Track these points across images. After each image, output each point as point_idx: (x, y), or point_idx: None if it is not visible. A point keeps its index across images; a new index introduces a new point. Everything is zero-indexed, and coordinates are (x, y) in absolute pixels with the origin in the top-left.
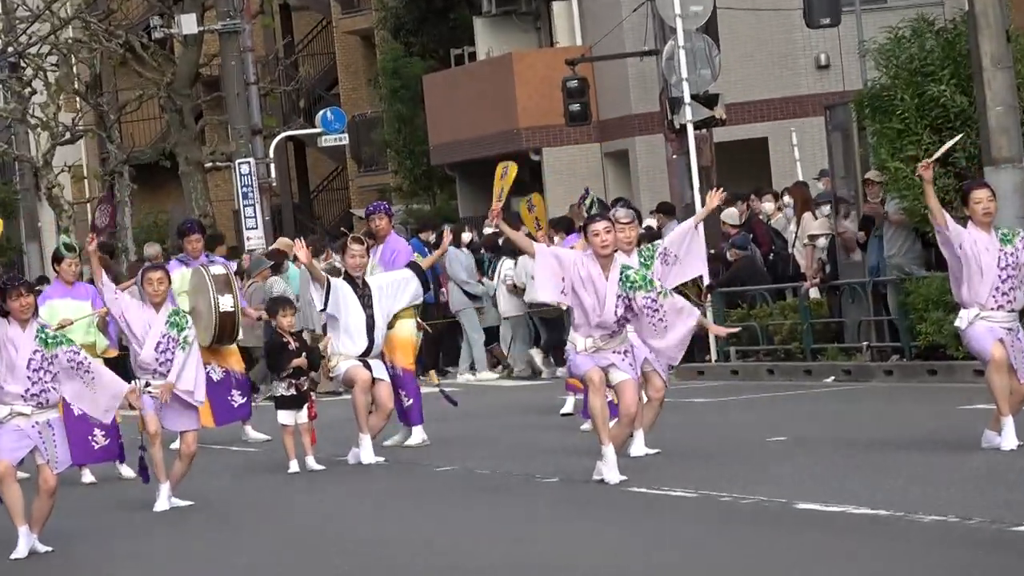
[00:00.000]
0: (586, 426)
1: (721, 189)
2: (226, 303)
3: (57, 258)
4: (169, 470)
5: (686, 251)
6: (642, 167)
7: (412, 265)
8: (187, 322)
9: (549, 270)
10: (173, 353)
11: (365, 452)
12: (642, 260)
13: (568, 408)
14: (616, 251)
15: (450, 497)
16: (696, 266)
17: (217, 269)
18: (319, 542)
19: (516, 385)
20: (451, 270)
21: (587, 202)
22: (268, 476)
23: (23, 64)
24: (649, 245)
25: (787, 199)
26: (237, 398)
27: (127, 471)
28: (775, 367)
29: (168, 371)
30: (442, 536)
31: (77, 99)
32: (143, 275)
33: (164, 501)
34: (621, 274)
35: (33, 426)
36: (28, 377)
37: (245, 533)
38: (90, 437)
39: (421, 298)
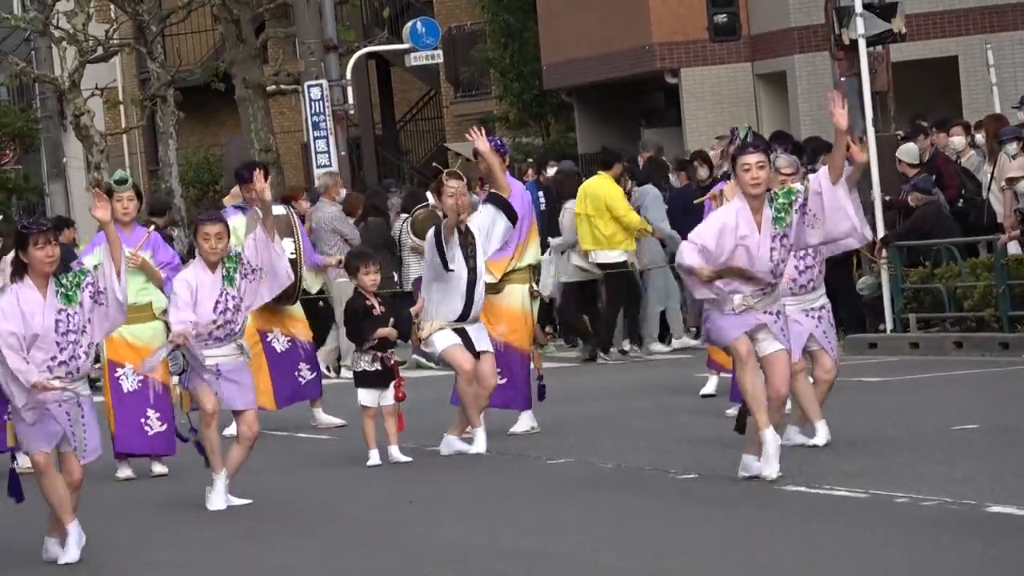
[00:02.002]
0: (733, 411)
1: (843, 106)
2: (285, 248)
3: (108, 193)
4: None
5: (826, 209)
6: (802, 92)
7: (492, 196)
8: (238, 260)
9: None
10: (235, 314)
11: (479, 442)
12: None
13: (710, 388)
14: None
15: (566, 496)
16: (842, 225)
17: (277, 210)
18: (403, 548)
19: (645, 359)
20: (649, 212)
21: (740, 138)
22: (342, 469)
23: None
24: (785, 191)
25: (981, 136)
26: (305, 373)
27: (159, 467)
28: (964, 339)
29: (227, 335)
30: (556, 542)
31: (111, 6)
32: (196, 227)
33: (220, 496)
34: (773, 207)
35: (60, 405)
36: (56, 342)
37: (314, 537)
38: (143, 420)
39: (508, 236)
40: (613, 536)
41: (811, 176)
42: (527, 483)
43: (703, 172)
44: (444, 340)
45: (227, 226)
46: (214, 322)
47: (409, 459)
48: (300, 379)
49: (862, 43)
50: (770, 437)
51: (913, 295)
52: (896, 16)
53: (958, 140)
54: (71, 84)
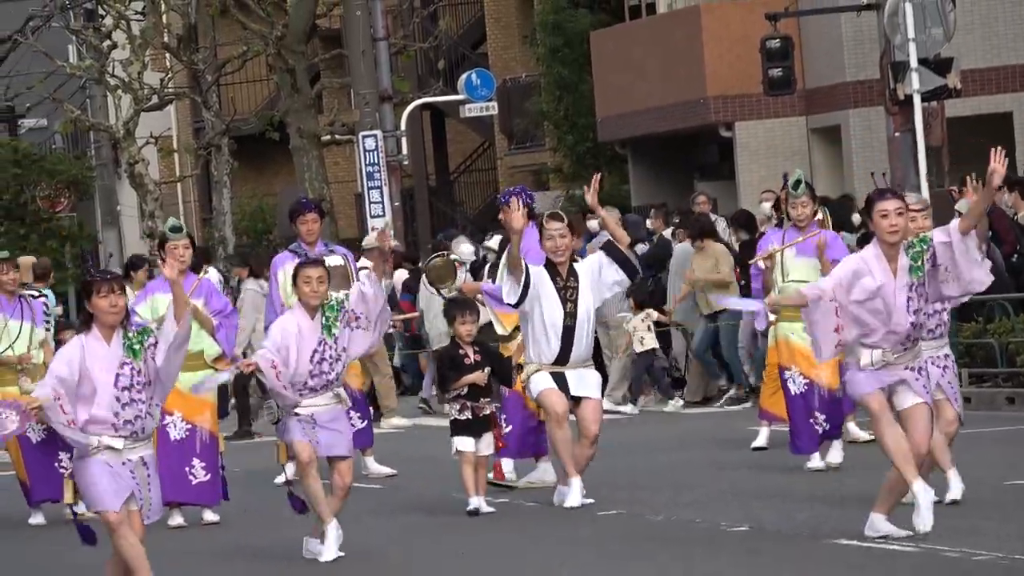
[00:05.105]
0: (813, 463)
1: (1003, 159)
2: None
3: (162, 242)
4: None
5: (957, 258)
6: (856, 146)
7: (608, 246)
8: (339, 309)
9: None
10: (331, 364)
11: (572, 494)
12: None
13: (761, 441)
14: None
15: (616, 549)
16: (976, 275)
17: (334, 260)
18: None
19: (694, 412)
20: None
21: (792, 180)
22: (394, 518)
23: (102, 12)
24: (920, 239)
25: None
26: (356, 421)
27: (210, 515)
28: (1016, 395)
29: (323, 385)
30: None
31: (167, 55)
32: (296, 273)
33: (332, 547)
34: (909, 256)
35: (124, 464)
36: (117, 398)
37: None
38: (188, 469)
39: (623, 288)
40: None
41: (936, 230)
42: (577, 536)
43: (743, 235)
44: (540, 383)
45: (327, 270)
46: (310, 372)
47: (492, 510)
48: (351, 427)
49: (917, 98)
50: (921, 489)
51: (965, 350)
52: (951, 71)
53: (1008, 196)
54: (126, 132)
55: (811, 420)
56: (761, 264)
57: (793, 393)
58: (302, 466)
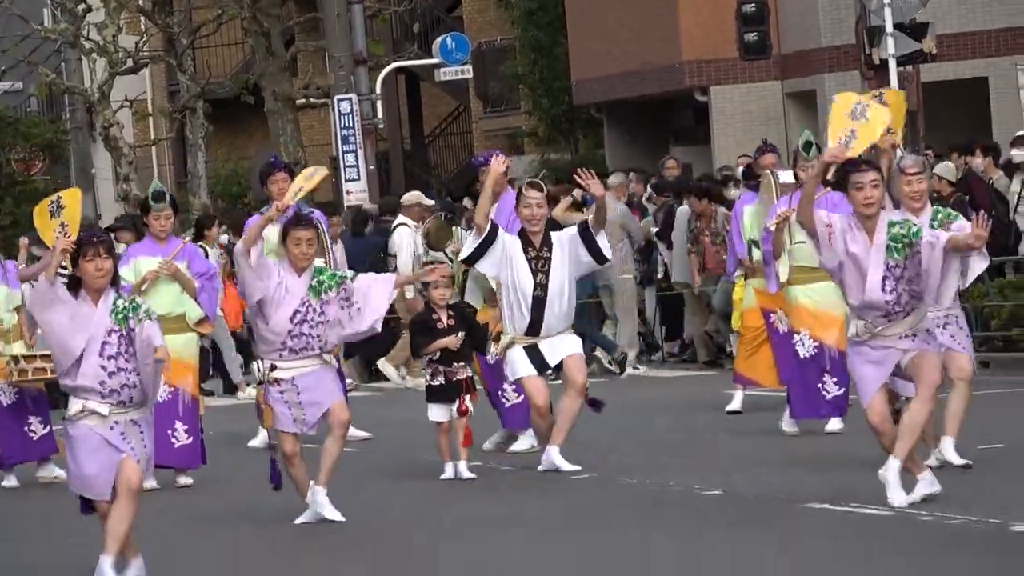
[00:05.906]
0: (788, 427)
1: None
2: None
3: (144, 208)
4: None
5: (929, 271)
6: None
7: (583, 229)
8: (338, 282)
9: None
10: (312, 328)
11: (549, 457)
12: (935, 223)
13: (736, 405)
14: (883, 209)
15: (589, 514)
16: (942, 290)
17: None
18: (423, 565)
19: (670, 376)
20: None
21: (802, 142)
22: (367, 482)
23: None
24: (947, 212)
25: (1016, 152)
26: None
27: (184, 479)
28: (991, 359)
29: (303, 348)
30: (584, 562)
31: (141, 18)
32: (286, 232)
33: (304, 520)
34: (888, 235)
35: (112, 427)
36: (103, 366)
37: (348, 553)
38: (170, 432)
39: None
40: (637, 553)
41: (928, 233)
42: (552, 502)
43: (734, 192)
44: (520, 365)
45: (318, 231)
46: (289, 332)
47: (473, 476)
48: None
49: (892, 63)
50: (894, 466)
51: None
52: (927, 36)
53: (980, 161)
54: (101, 96)
55: (819, 385)
56: (771, 226)
57: (802, 356)
58: (286, 457)
